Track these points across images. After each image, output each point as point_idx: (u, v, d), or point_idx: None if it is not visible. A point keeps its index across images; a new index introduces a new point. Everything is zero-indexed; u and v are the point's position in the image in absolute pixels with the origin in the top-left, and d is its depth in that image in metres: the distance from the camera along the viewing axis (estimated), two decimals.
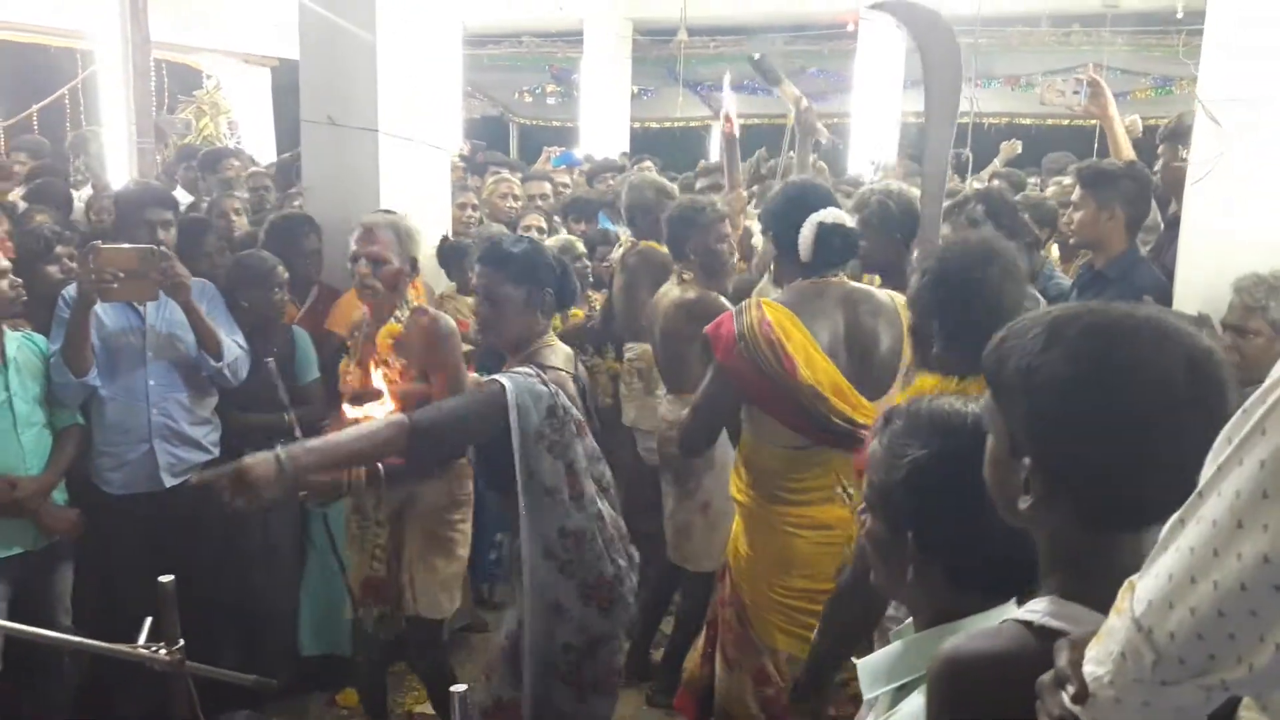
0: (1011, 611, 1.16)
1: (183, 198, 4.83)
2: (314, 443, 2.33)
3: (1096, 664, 0.89)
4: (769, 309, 2.49)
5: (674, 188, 4.25)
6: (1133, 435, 0.99)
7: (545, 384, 2.44)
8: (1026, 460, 1.05)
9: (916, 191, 3.24)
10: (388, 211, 3.32)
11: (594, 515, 2.49)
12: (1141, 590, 0.87)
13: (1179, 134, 3.91)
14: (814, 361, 2.44)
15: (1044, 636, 1.03)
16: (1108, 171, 3.30)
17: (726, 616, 2.67)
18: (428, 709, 3.67)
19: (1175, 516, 0.85)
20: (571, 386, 2.53)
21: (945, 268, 2.02)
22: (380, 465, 2.54)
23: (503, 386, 2.41)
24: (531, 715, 2.50)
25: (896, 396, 2.39)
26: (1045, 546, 1.10)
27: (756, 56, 4.53)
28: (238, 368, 3.31)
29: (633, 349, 3.99)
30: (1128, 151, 3.90)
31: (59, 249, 3.40)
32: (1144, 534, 1.05)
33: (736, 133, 4.18)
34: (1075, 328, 1.03)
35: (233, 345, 3.31)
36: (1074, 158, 5.37)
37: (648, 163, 6.34)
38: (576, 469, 2.47)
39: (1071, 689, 0.90)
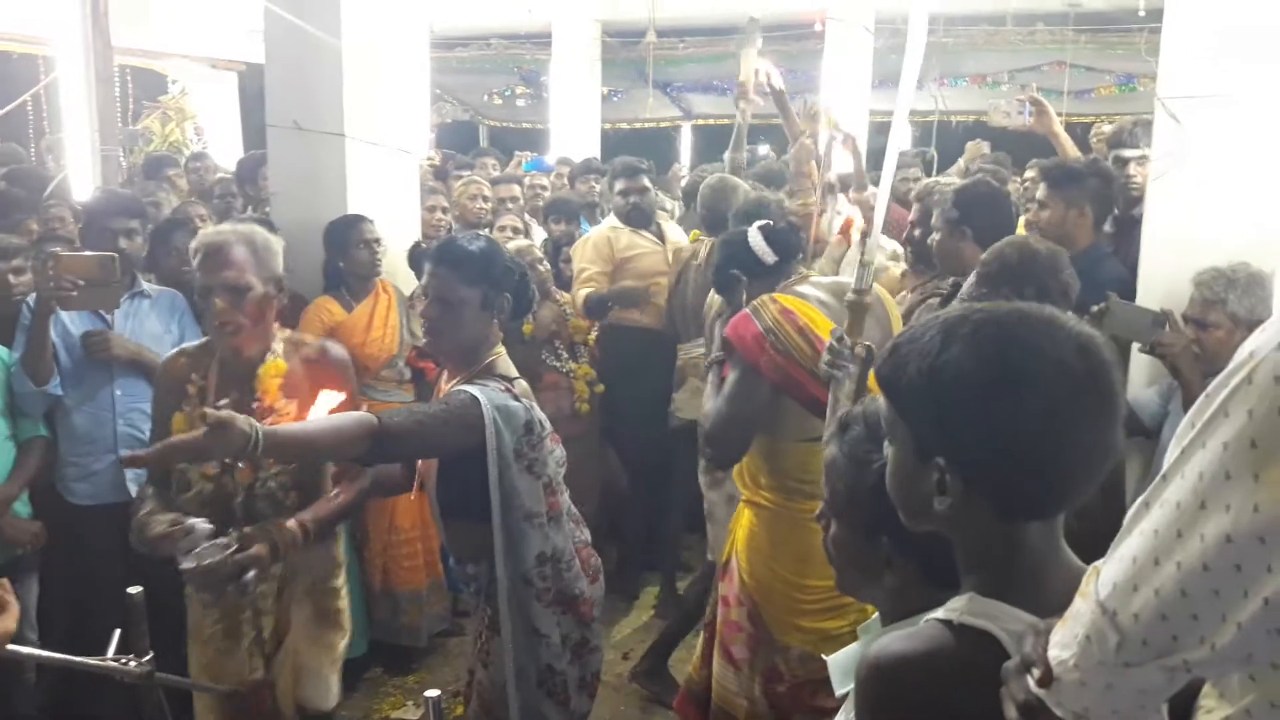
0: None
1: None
2: (282, 426, 2.15)
3: (1061, 648, 0.91)
4: (784, 300, 2.54)
5: (746, 185, 4.30)
6: (1041, 421, 1.01)
7: (517, 398, 2.28)
8: (940, 460, 1.06)
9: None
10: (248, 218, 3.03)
11: (569, 532, 2.40)
12: (1106, 574, 0.88)
13: (1121, 142, 4.01)
14: None
15: (963, 635, 1.05)
16: (1074, 170, 3.35)
17: (734, 617, 2.62)
18: (406, 714, 3.66)
19: (1140, 500, 0.86)
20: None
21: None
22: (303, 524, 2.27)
23: (475, 398, 2.20)
24: None
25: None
26: (962, 545, 1.12)
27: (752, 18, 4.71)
28: None
29: (699, 345, 3.99)
30: (1072, 151, 3.98)
31: (15, 262, 3.35)
32: (1055, 522, 1.09)
33: (781, 84, 4.50)
34: (968, 326, 1.05)
35: None
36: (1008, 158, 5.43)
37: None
38: (554, 485, 2.36)
39: (1037, 672, 0.91)
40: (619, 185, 4.56)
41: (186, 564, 2.11)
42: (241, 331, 2.37)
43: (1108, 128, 4.68)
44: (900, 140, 2.19)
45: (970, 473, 1.05)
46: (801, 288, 2.66)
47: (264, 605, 2.41)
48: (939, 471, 1.06)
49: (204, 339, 2.59)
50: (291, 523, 2.28)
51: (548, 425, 2.36)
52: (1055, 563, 1.09)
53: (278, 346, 2.46)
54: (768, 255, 2.70)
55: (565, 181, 6.63)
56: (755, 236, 2.74)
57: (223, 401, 2.08)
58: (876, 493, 1.26)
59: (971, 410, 1.03)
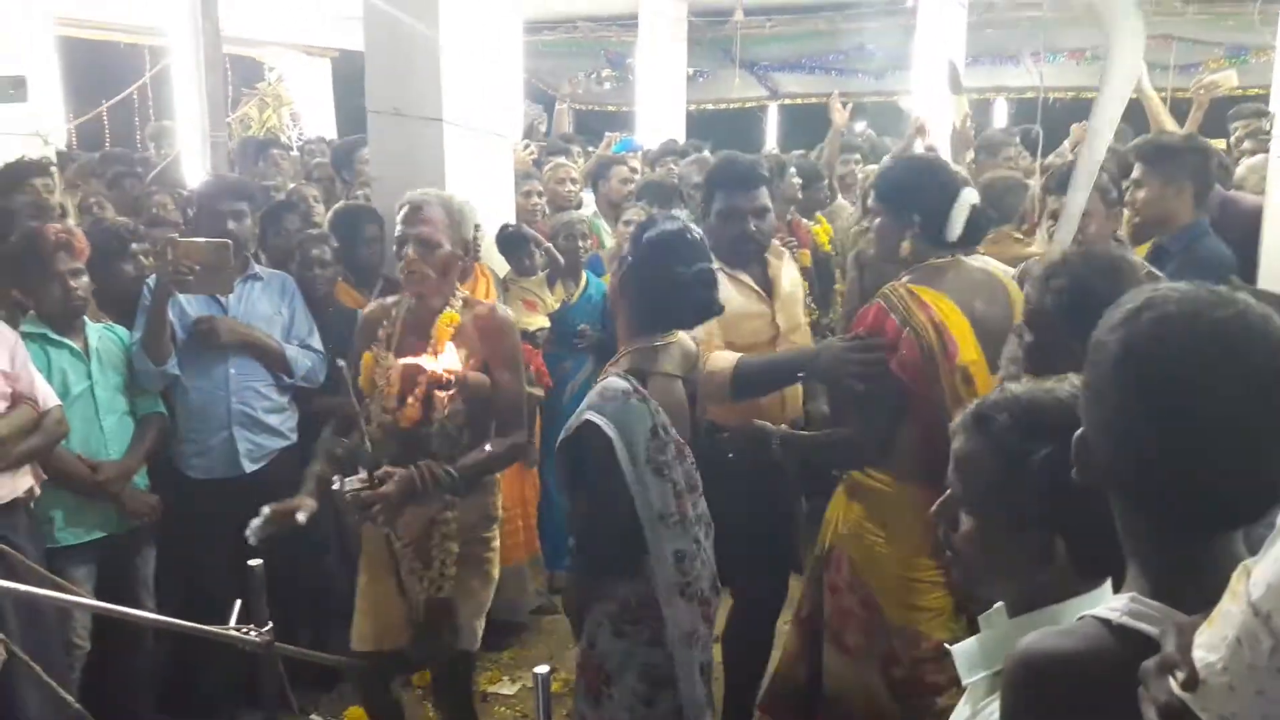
0: (1101, 597, 1.13)
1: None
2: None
3: (1208, 650, 0.87)
4: (921, 292, 2.45)
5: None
6: (1235, 434, 0.96)
7: (645, 399, 2.28)
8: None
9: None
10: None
11: (693, 538, 2.36)
12: (1259, 574, 0.84)
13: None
14: (969, 342, 2.41)
15: (1123, 636, 1.00)
16: (1170, 146, 3.24)
17: (846, 604, 2.59)
18: (502, 689, 3.73)
19: None
20: (679, 393, 2.37)
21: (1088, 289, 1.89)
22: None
23: (596, 428, 2.24)
24: None
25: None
26: (1132, 543, 1.07)
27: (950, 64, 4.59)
28: (313, 375, 3.42)
29: None
30: (1169, 123, 3.83)
31: (134, 246, 3.50)
32: (1235, 536, 1.03)
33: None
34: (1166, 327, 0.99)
35: (302, 358, 3.40)
36: (1130, 130, 5.24)
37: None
38: (679, 491, 2.32)
39: (1181, 675, 0.88)
40: (720, 202, 3.04)
41: (335, 488, 2.50)
42: (426, 281, 2.67)
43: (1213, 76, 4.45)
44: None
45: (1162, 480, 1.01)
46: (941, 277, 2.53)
47: (409, 550, 2.68)
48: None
49: (397, 296, 2.88)
50: (436, 466, 2.51)
51: (674, 434, 2.33)
52: (1229, 569, 1.03)
53: (456, 302, 2.74)
54: (956, 229, 2.51)
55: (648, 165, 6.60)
56: (967, 200, 2.51)
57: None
58: (1041, 487, 1.21)
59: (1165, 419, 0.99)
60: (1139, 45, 2.85)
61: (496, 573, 2.87)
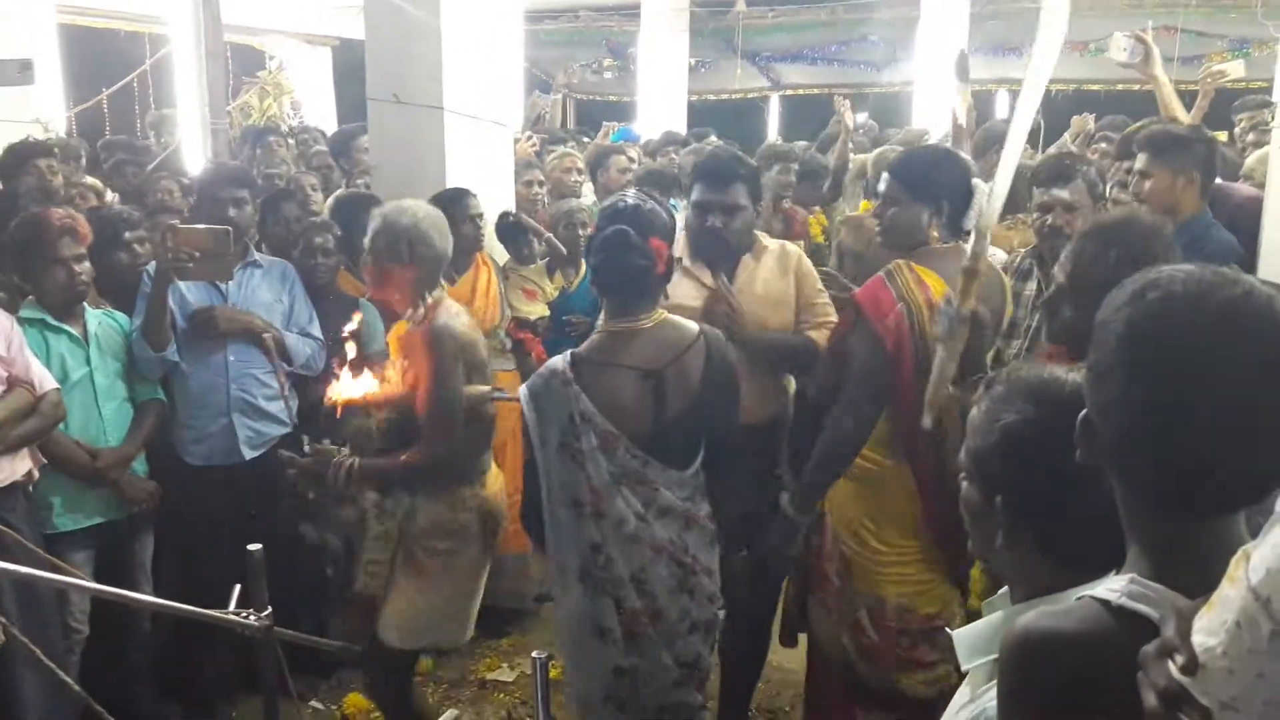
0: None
1: None
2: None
3: (1208, 634, 0.87)
4: (922, 273, 2.50)
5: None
6: (1237, 413, 0.96)
7: (569, 384, 2.30)
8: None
9: None
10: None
11: (624, 537, 2.33)
12: (1258, 559, 0.84)
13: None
14: None
15: (1121, 617, 1.00)
16: (1180, 136, 3.21)
17: (826, 571, 2.69)
18: (501, 675, 3.73)
19: None
20: (631, 386, 2.31)
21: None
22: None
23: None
24: None
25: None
26: (1131, 525, 1.07)
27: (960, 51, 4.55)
28: (313, 363, 3.42)
29: None
30: (1179, 111, 3.81)
31: (126, 235, 3.46)
32: (1237, 519, 1.03)
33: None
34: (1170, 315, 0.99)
35: (301, 346, 3.40)
36: (1129, 120, 5.22)
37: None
38: (595, 485, 2.30)
39: (1180, 659, 0.87)
40: (695, 194, 3.03)
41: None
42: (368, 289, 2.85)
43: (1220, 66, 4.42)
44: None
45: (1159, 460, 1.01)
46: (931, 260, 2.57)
47: (388, 532, 2.77)
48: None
49: None
50: (341, 459, 2.65)
51: (599, 424, 2.30)
52: (1230, 552, 1.01)
53: (417, 313, 2.75)
54: (973, 218, 2.53)
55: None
56: (981, 190, 2.53)
57: None
58: (999, 452, 1.24)
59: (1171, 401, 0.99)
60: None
61: (449, 589, 2.84)
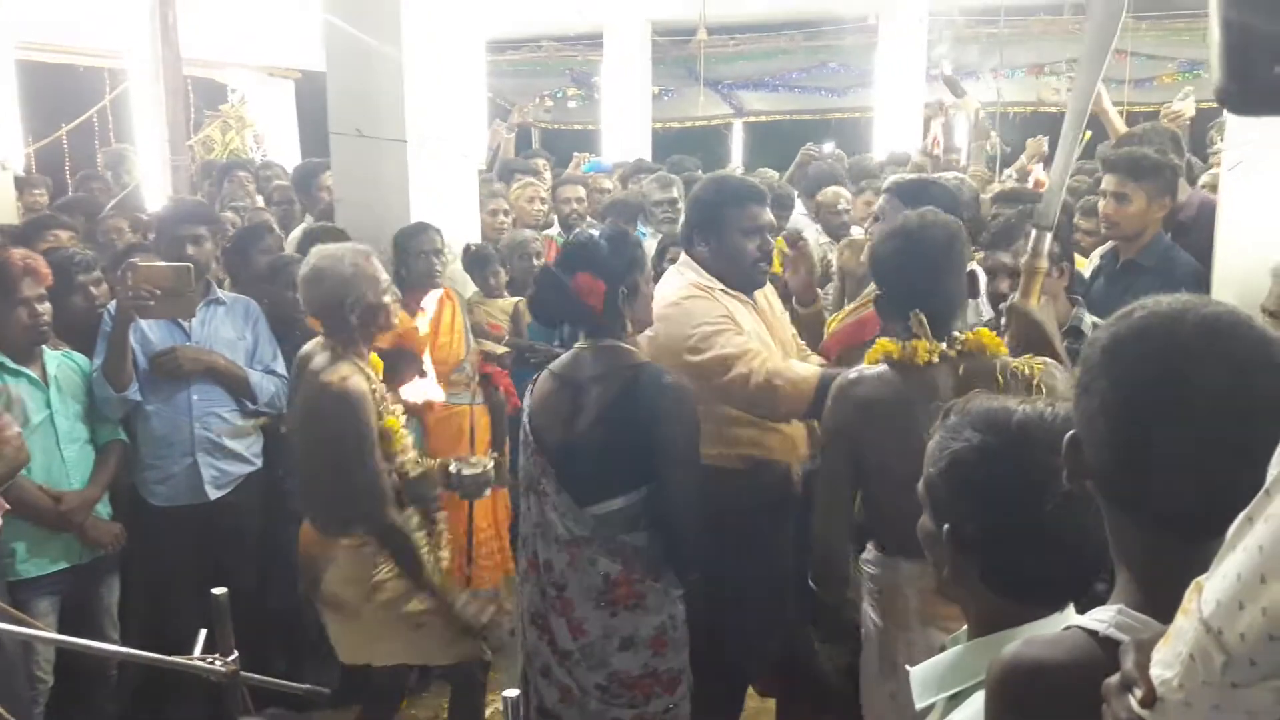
0: (1070, 619, 1.14)
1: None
2: None
3: (1164, 667, 0.87)
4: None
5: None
6: (1219, 427, 0.97)
7: (530, 390, 2.58)
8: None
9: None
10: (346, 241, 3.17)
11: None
12: (1209, 591, 0.85)
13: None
14: None
15: (1109, 647, 1.00)
16: (1157, 162, 3.27)
17: None
18: None
19: (1243, 515, 0.83)
20: (553, 394, 2.48)
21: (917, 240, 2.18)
22: None
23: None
24: None
25: None
26: (1119, 550, 1.08)
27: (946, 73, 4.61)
28: (276, 401, 3.38)
29: None
30: (1122, 130, 3.96)
31: (80, 278, 3.36)
32: (1213, 542, 1.04)
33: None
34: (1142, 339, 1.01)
35: (266, 383, 3.36)
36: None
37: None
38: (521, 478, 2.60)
39: (1139, 692, 0.88)
40: (741, 219, 2.71)
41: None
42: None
43: (1179, 105, 4.51)
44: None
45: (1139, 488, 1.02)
46: None
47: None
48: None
49: None
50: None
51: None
52: None
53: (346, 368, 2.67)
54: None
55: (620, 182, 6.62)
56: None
57: None
58: (944, 479, 1.26)
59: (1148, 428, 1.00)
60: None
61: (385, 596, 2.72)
